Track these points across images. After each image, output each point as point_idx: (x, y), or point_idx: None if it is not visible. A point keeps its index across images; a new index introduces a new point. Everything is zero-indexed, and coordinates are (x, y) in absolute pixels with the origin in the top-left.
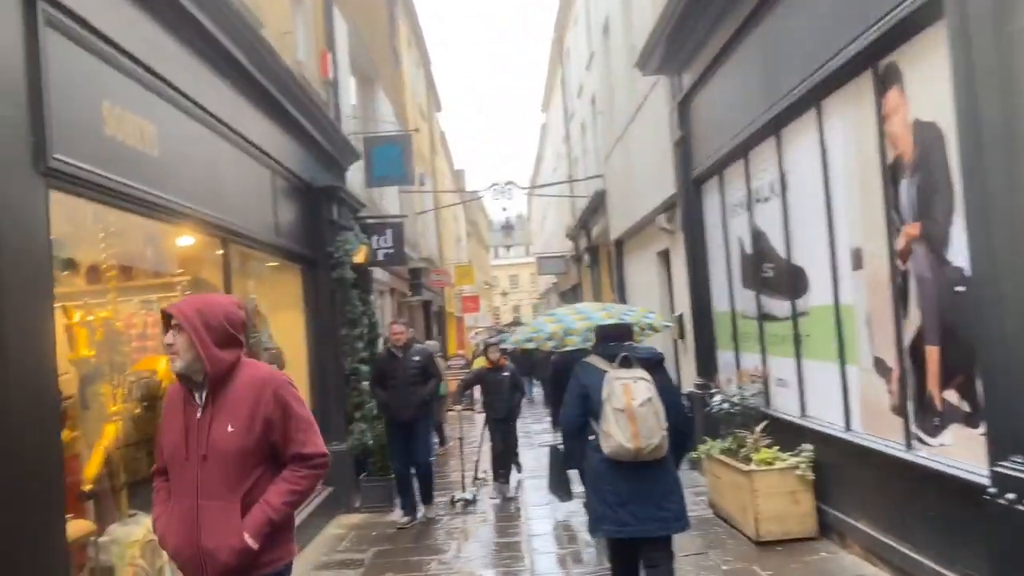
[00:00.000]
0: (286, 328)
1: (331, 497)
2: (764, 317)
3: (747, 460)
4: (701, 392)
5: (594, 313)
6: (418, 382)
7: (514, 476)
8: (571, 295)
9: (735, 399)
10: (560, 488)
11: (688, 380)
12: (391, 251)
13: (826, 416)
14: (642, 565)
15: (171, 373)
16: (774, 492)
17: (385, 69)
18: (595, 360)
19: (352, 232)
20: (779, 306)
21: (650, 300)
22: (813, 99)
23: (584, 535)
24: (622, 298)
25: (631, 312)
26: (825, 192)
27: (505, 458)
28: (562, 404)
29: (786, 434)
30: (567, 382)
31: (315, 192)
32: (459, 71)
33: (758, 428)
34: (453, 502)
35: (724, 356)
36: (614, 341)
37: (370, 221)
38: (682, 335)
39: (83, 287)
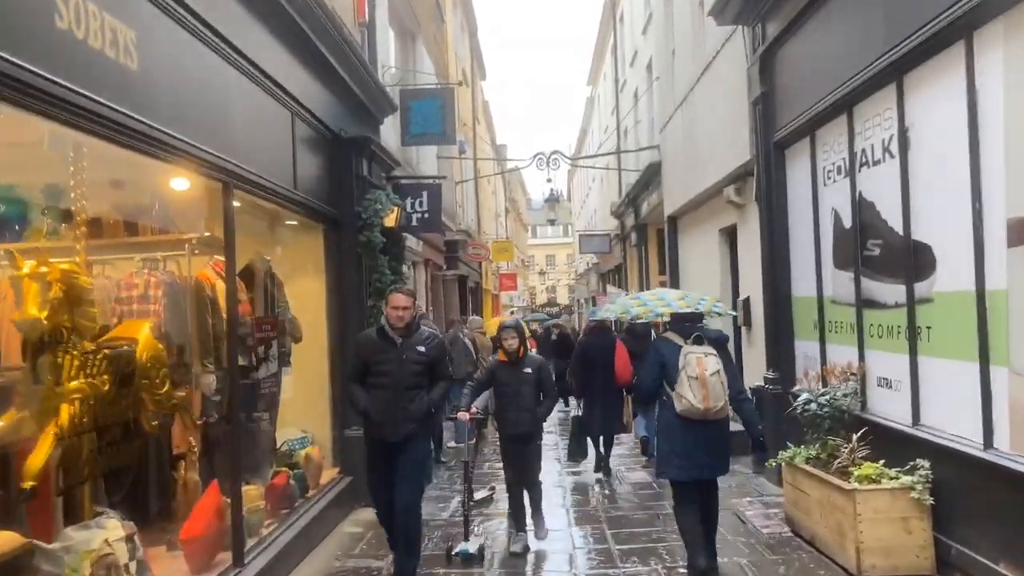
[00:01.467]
0: (304, 296)
1: (349, 487)
2: (865, 304)
3: (843, 474)
4: (772, 388)
5: (673, 301)
6: (419, 385)
7: (536, 523)
8: (613, 276)
9: (824, 399)
10: (577, 452)
11: (754, 372)
12: (427, 216)
13: (953, 427)
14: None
15: (154, 342)
16: (881, 517)
17: (428, 24)
18: (672, 336)
19: (384, 192)
20: (888, 291)
21: (709, 283)
22: (963, 29)
23: None
24: (674, 281)
25: (703, 301)
26: (971, 149)
27: (518, 496)
28: (640, 370)
29: (889, 445)
30: (594, 360)
31: (343, 144)
32: (503, 46)
33: (855, 436)
34: (450, 555)
35: (804, 348)
36: (688, 323)
37: (405, 182)
38: (748, 322)
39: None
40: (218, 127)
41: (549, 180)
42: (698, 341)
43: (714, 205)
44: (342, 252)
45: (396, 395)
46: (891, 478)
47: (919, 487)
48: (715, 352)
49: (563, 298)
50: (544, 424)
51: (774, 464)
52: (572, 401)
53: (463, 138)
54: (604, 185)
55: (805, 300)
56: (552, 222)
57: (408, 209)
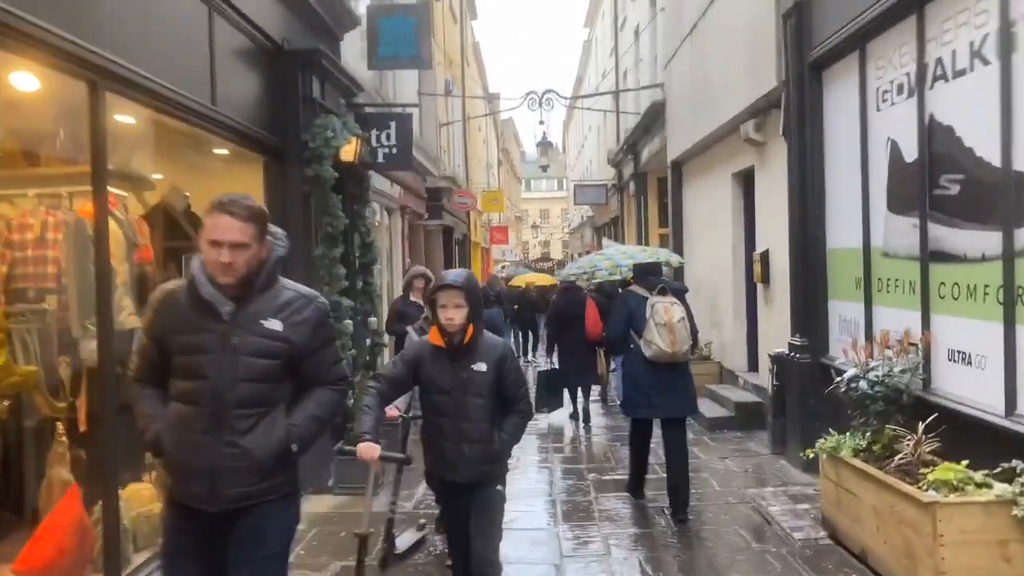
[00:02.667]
0: None
1: None
2: (933, 257)
3: (906, 474)
4: (799, 357)
5: (637, 253)
6: (265, 400)
7: None
8: (610, 229)
9: (875, 375)
10: (549, 403)
11: (773, 337)
12: (395, 152)
13: None
14: (662, 438)
15: None
16: (971, 540)
17: None
18: (637, 289)
19: (340, 119)
20: (970, 240)
21: (719, 235)
22: None
23: None
24: (678, 234)
25: (659, 252)
26: None
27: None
28: (610, 322)
29: (969, 439)
30: (566, 318)
31: (287, 57)
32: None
33: (921, 425)
34: None
35: (842, 310)
36: (652, 275)
37: (370, 111)
38: (765, 278)
39: None
40: (83, 7)
41: (541, 122)
42: (663, 292)
43: (727, 146)
44: (287, 190)
45: (213, 417)
46: (979, 485)
47: (1023, 500)
48: (678, 301)
49: (557, 253)
50: (509, 459)
51: (811, 455)
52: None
53: (450, 77)
54: (601, 135)
55: (845, 253)
56: (545, 168)
57: (374, 143)
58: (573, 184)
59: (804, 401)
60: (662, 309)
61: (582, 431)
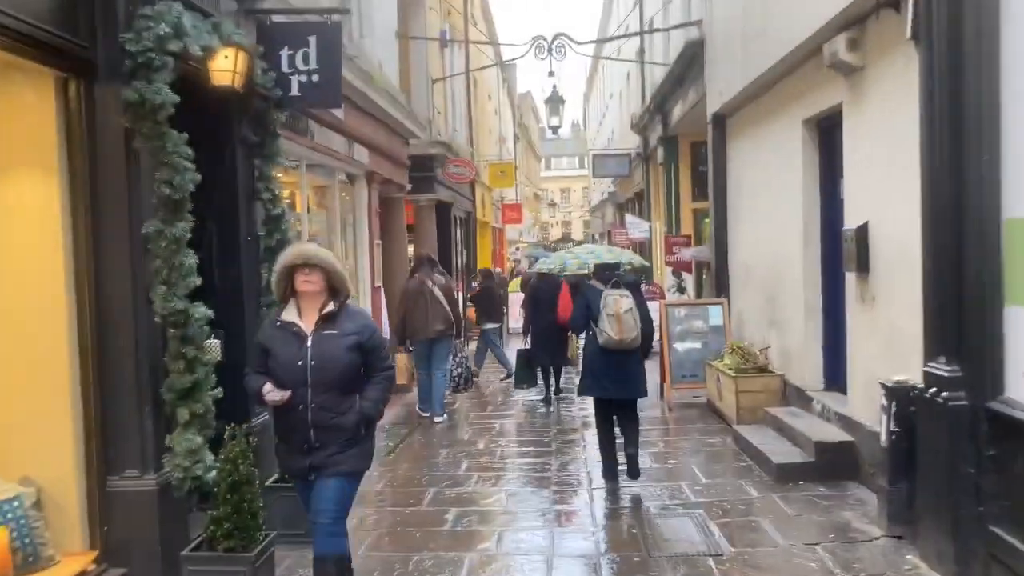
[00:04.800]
0: (13, 212)
1: None
2: None
3: None
4: (947, 396)
5: (603, 254)
6: None
7: None
8: (634, 205)
9: None
10: (526, 380)
11: (877, 350)
12: (316, 80)
13: None
14: (616, 422)
15: None
16: None
17: None
18: (595, 283)
19: (208, 20)
20: None
21: (781, 204)
22: None
23: None
24: (720, 204)
25: (624, 255)
26: None
27: None
28: (572, 312)
29: None
30: (541, 302)
31: None
32: None
33: None
34: None
35: None
36: (608, 271)
37: (277, 19)
38: (863, 265)
39: None
40: None
41: (551, 73)
42: (616, 285)
43: (797, 82)
44: (101, 128)
45: None
46: None
47: None
48: (629, 294)
49: (578, 233)
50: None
51: None
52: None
53: (447, 26)
54: (624, 100)
55: None
56: (555, 130)
57: (287, 67)
58: (592, 154)
59: (955, 466)
60: (612, 301)
61: (552, 407)
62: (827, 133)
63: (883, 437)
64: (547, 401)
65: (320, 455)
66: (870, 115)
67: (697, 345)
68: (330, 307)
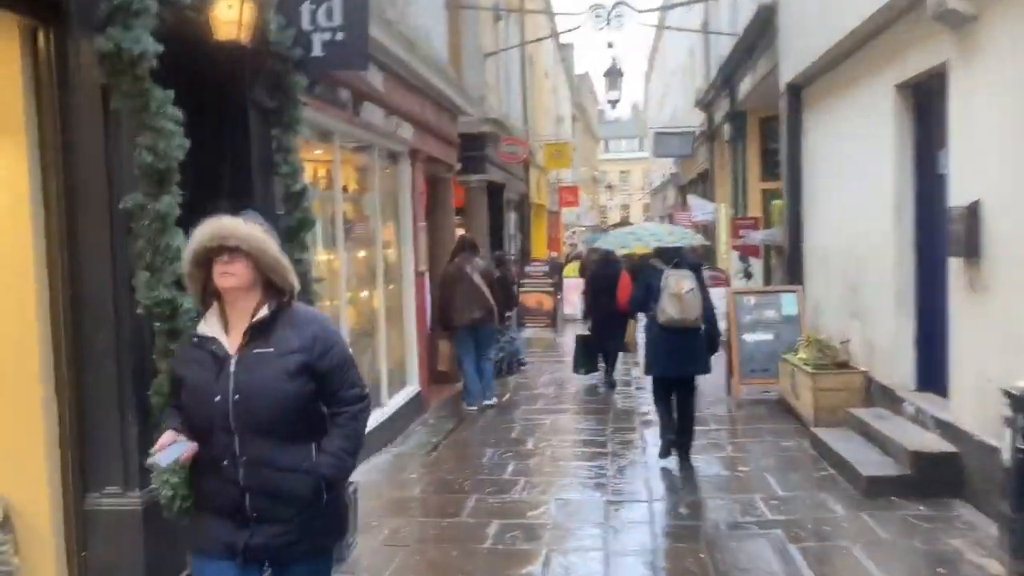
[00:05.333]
0: None
1: None
2: None
3: None
4: None
5: (664, 236)
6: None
7: None
8: (697, 185)
9: None
10: (584, 365)
11: (995, 349)
12: (339, 38)
13: None
14: (675, 398)
15: None
16: None
17: None
18: (656, 263)
19: None
20: None
21: (868, 180)
22: None
23: None
24: (795, 182)
25: (687, 234)
26: None
27: None
28: (631, 292)
29: None
30: (600, 287)
31: None
32: None
33: None
34: None
35: None
36: (670, 252)
37: None
38: (973, 249)
39: None
40: None
41: (610, 44)
42: (677, 266)
43: (889, 43)
44: (75, 85)
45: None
46: None
47: None
48: (691, 274)
49: (637, 216)
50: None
51: None
52: None
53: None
54: (686, 76)
55: None
56: (614, 104)
57: (307, 24)
58: (653, 132)
59: None
60: (673, 281)
61: (612, 390)
62: (924, 98)
63: (1005, 454)
64: (610, 384)
65: (261, 534)
66: (985, 73)
67: (769, 336)
68: (262, 312)
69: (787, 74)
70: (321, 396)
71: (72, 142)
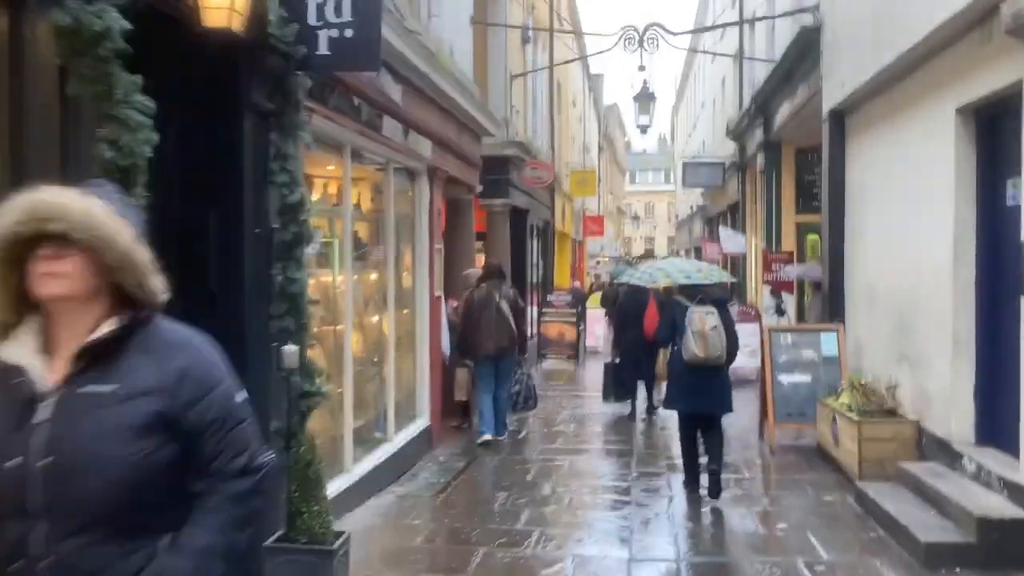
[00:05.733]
0: None
1: None
2: None
3: None
4: None
5: (693, 273)
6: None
7: None
8: (726, 218)
9: None
10: (613, 393)
11: None
12: (349, 36)
13: None
14: (700, 434)
15: None
16: None
17: None
18: (681, 299)
19: None
20: None
21: (924, 213)
22: None
23: None
24: (837, 215)
25: (714, 270)
26: None
27: None
28: (657, 327)
29: None
30: (629, 317)
31: None
32: None
33: None
34: None
35: None
36: (694, 286)
37: None
38: None
39: None
40: None
41: (642, 67)
42: (702, 302)
43: (951, 62)
44: (30, 69)
45: None
46: None
47: None
48: (715, 311)
49: (662, 248)
50: None
51: None
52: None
53: (530, 21)
54: (717, 107)
55: None
56: (644, 129)
57: (313, 19)
58: (682, 163)
59: None
60: (697, 318)
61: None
62: (990, 122)
63: None
64: (631, 417)
65: None
66: None
67: (806, 378)
68: (103, 329)
69: (830, 100)
70: (188, 466)
71: (25, 136)
